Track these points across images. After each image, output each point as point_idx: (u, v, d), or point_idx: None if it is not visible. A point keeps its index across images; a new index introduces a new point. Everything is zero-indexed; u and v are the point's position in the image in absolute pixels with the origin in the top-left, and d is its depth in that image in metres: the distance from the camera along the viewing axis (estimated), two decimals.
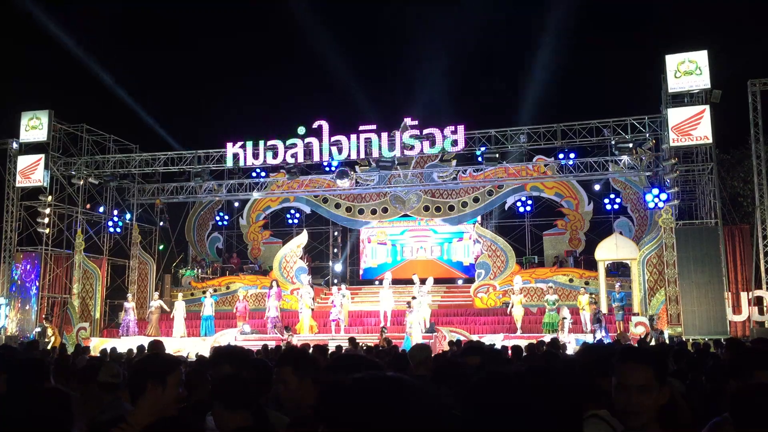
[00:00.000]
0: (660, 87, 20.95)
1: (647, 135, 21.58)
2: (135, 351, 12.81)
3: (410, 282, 23.83)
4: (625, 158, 22.39)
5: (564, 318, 20.01)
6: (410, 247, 27.91)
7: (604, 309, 21.81)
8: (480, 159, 23.45)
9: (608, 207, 25.66)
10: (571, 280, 23.43)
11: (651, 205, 21.49)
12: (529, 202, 26.92)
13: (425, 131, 22.22)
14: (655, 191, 20.95)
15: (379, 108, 26.42)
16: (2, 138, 24.90)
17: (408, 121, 22.59)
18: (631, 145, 21.44)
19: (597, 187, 24.92)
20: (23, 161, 24.23)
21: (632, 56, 28.72)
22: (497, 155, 22.51)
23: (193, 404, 3.88)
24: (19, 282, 24.18)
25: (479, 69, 27.31)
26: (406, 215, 26.78)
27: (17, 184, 24.32)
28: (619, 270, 23.19)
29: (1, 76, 26.89)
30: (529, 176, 24.52)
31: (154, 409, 3.07)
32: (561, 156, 23.27)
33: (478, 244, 25.87)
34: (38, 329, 23.02)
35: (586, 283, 22.64)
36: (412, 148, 22.30)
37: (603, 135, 21.94)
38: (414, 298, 20.67)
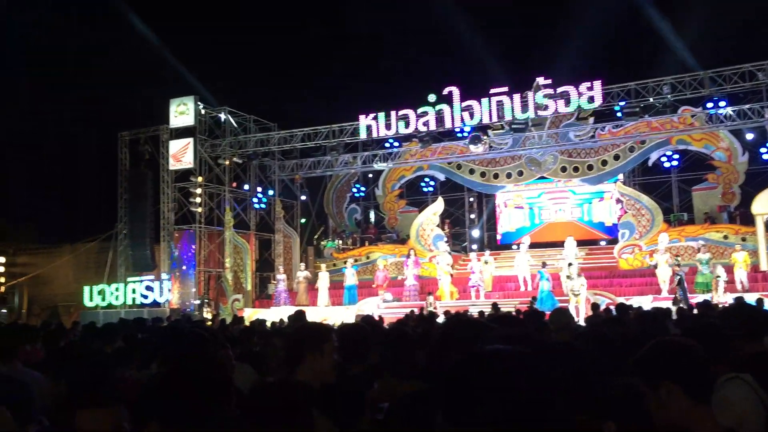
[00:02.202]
0: None
1: None
2: (286, 320, 13.43)
3: (550, 245, 23.40)
4: None
5: (718, 277, 18.85)
6: (548, 210, 27.21)
7: (764, 266, 20.36)
8: (619, 114, 22.39)
9: (766, 157, 23.70)
10: (725, 237, 21.96)
11: None
12: (675, 156, 25.38)
13: (559, 89, 21.50)
14: None
15: (510, 69, 25.71)
16: (155, 125, 26.72)
17: (541, 80, 21.94)
18: None
19: (751, 135, 23.02)
20: (174, 146, 25.88)
21: None
22: (638, 109, 21.41)
23: (357, 373, 3.99)
24: (178, 258, 26.04)
25: (613, 19, 25.90)
26: (542, 177, 26.14)
27: (170, 167, 26.06)
28: None
29: (152, 66, 28.69)
30: (674, 129, 23.09)
31: (314, 377, 3.19)
32: (710, 105, 21.68)
33: (620, 203, 24.81)
34: (197, 302, 24.79)
35: (743, 240, 21.16)
36: (546, 108, 21.66)
37: (757, 79, 20.24)
38: (570, 264, 20.14)
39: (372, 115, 23.60)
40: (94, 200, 32.15)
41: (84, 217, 32.69)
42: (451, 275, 22.89)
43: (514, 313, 9.92)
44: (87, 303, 25.86)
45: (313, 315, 19.17)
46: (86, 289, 26.18)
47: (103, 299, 25.62)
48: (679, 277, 18.85)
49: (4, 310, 28.66)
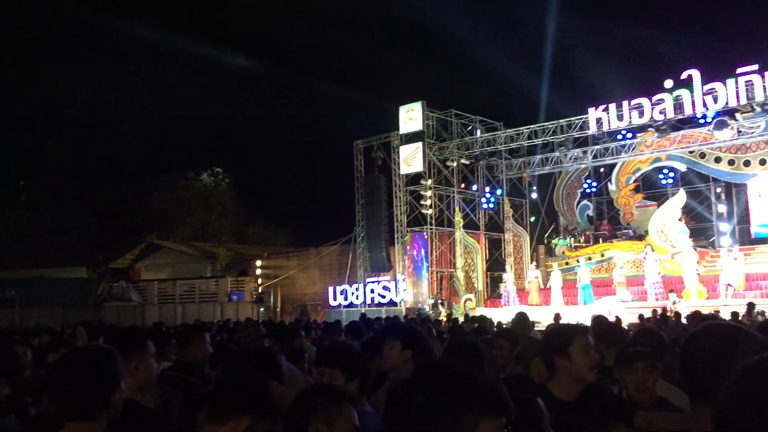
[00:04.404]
0: None
1: None
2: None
3: None
4: None
5: None
6: None
7: None
8: None
9: None
10: None
11: None
12: None
13: None
14: None
15: (760, 43, 23.20)
16: (386, 132, 28.01)
17: None
18: None
19: None
20: (404, 150, 26.93)
21: None
22: None
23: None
24: (411, 259, 27.03)
25: None
26: None
27: (401, 172, 27.15)
28: None
29: (382, 77, 30.16)
30: None
31: (570, 378, 3.18)
32: None
33: None
34: (430, 301, 25.52)
35: None
36: None
37: None
38: None
39: (602, 107, 22.63)
40: (335, 206, 34.56)
41: (326, 223, 35.29)
42: (698, 273, 21.17)
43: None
44: (331, 302, 27.82)
45: (541, 314, 18.87)
46: (330, 289, 28.19)
47: (345, 298, 27.39)
48: None
49: (262, 309, 31.82)
